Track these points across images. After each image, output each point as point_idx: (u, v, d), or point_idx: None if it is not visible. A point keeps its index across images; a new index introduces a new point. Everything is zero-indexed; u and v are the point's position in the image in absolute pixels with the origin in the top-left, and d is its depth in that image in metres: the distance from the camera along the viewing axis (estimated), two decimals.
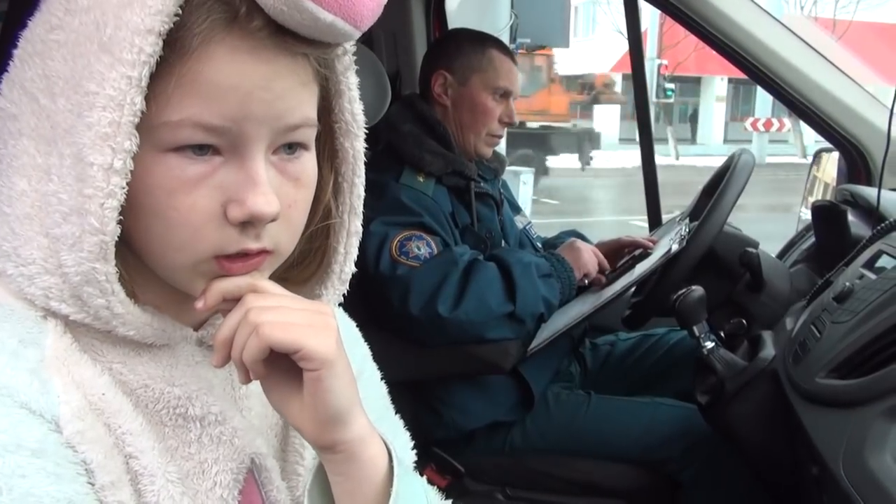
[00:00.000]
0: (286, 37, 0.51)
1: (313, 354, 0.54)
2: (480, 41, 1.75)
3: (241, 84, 0.51)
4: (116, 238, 0.51)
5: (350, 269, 0.67)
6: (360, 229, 0.67)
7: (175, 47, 0.49)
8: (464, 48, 1.73)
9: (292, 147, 0.56)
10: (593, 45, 22.24)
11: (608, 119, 22.62)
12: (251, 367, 0.55)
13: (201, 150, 0.52)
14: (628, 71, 2.42)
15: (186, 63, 0.50)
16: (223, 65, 0.50)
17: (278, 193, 0.54)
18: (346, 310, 0.77)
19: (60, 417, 0.50)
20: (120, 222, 0.51)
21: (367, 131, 0.64)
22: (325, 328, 0.56)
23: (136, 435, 0.54)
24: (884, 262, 1.15)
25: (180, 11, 0.49)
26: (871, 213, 1.44)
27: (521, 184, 8.03)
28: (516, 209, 1.96)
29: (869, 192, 1.56)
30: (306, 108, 0.56)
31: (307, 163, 0.58)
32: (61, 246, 0.52)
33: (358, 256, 0.68)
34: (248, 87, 0.51)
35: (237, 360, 0.55)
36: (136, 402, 0.56)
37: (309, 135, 0.57)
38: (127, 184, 0.50)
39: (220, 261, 0.55)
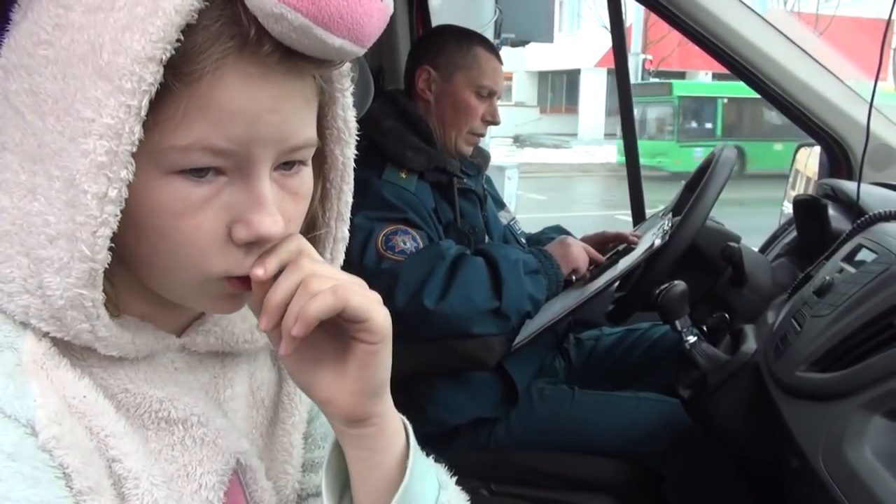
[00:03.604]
0: (295, 59, 0.51)
1: (378, 328, 0.56)
2: (466, 38, 1.75)
3: (251, 108, 0.50)
4: (106, 265, 0.51)
5: None
6: (347, 235, 0.66)
7: (180, 73, 0.48)
8: (449, 45, 1.72)
9: (291, 164, 0.56)
10: (578, 40, 22.27)
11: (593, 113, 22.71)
12: (310, 323, 0.53)
13: (206, 171, 0.51)
14: (613, 66, 2.42)
15: (197, 89, 0.49)
16: (235, 90, 0.50)
17: (279, 209, 0.54)
18: None
19: (36, 422, 0.50)
20: (111, 249, 0.50)
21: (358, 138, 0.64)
22: (380, 301, 0.57)
23: (119, 437, 0.54)
24: (863, 255, 1.16)
25: (182, 37, 0.47)
26: (852, 207, 1.45)
27: (507, 179, 8.02)
28: (500, 205, 1.96)
29: (849, 186, 1.57)
30: (308, 129, 0.56)
31: (305, 177, 0.58)
32: (45, 268, 0.51)
33: None
34: (258, 111, 0.51)
35: (290, 324, 0.53)
36: (117, 405, 0.56)
37: (309, 153, 0.57)
38: (123, 210, 0.50)
39: (228, 280, 0.55)
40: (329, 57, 0.52)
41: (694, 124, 16.05)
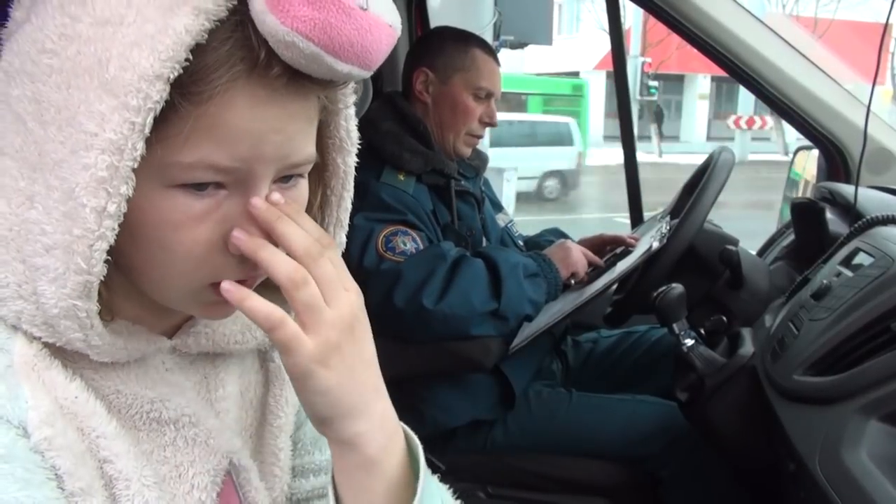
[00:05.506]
0: (302, 80, 0.51)
1: (289, 347, 0.52)
2: (464, 40, 1.75)
3: (257, 128, 0.51)
4: (102, 278, 0.51)
5: None
6: (344, 241, 0.67)
7: (188, 93, 0.48)
8: (447, 46, 1.72)
9: (289, 177, 0.56)
10: (577, 42, 22.29)
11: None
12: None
13: (206, 185, 0.52)
14: (612, 69, 2.42)
15: (206, 110, 0.49)
16: (243, 111, 0.50)
17: None
18: None
19: (28, 423, 0.50)
20: (107, 261, 0.50)
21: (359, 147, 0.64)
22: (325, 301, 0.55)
23: (110, 438, 0.54)
24: (860, 259, 1.16)
25: (191, 57, 0.47)
26: (849, 211, 1.45)
27: (505, 181, 8.03)
28: (498, 207, 1.96)
29: (847, 189, 1.58)
30: (310, 146, 0.56)
31: (302, 188, 0.58)
32: (40, 276, 0.51)
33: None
34: (263, 131, 0.51)
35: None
36: (108, 406, 0.55)
37: (308, 168, 0.58)
38: (121, 222, 0.49)
39: (217, 286, 0.54)
40: (336, 79, 0.52)
41: None
